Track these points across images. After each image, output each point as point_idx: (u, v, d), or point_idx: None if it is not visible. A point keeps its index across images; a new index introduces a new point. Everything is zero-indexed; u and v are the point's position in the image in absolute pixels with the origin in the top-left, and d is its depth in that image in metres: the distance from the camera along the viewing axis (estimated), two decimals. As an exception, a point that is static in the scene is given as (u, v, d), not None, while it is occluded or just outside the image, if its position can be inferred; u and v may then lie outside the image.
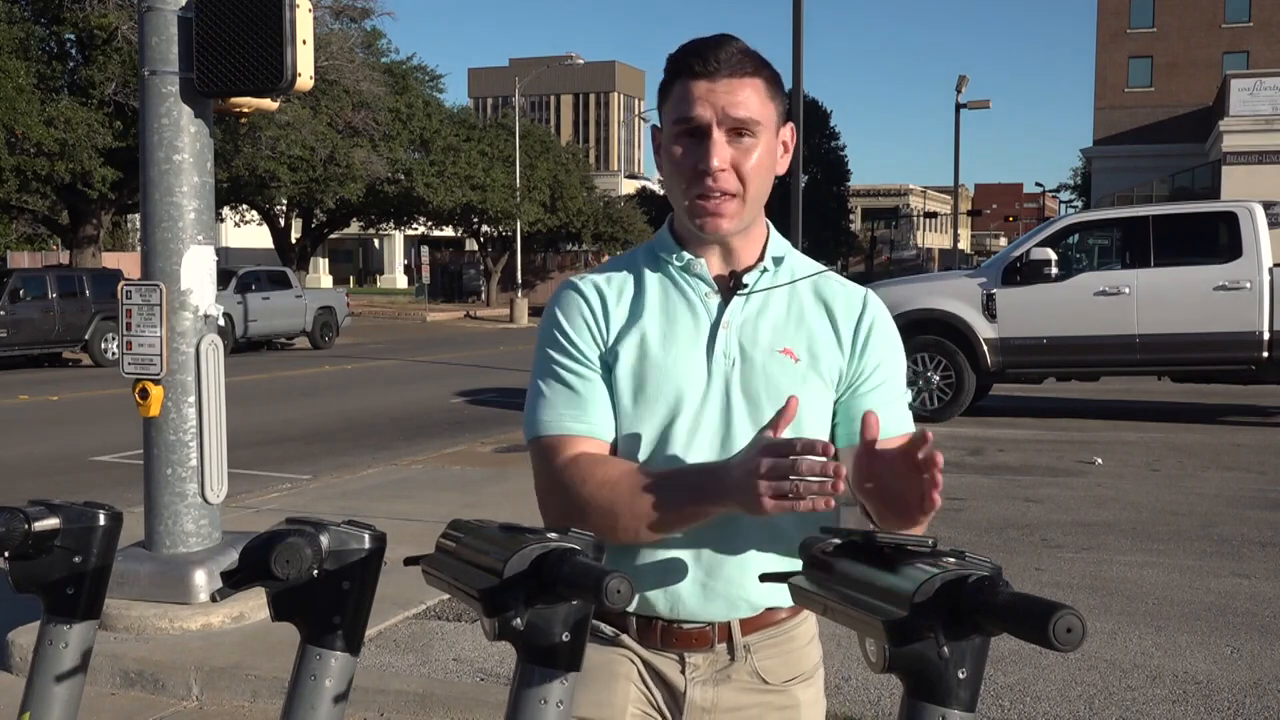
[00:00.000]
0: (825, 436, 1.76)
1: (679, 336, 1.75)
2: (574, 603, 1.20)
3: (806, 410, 1.72)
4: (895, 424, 1.74)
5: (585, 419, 1.71)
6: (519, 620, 1.18)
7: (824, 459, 1.45)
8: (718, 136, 1.67)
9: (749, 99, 1.68)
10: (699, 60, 1.68)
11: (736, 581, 1.71)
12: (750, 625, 1.76)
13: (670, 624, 1.74)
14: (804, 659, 1.82)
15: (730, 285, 1.78)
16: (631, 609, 1.75)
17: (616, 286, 1.80)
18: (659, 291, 1.79)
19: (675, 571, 1.71)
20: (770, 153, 1.73)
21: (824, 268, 1.86)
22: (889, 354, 1.80)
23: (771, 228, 1.85)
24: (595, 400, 1.72)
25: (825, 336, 1.77)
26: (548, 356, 1.76)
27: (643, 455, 1.73)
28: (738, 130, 1.68)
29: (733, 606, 1.73)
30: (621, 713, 1.76)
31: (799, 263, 1.84)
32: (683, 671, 1.76)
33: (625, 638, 1.77)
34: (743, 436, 1.71)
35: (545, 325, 1.79)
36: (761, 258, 1.79)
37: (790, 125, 1.80)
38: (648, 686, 1.78)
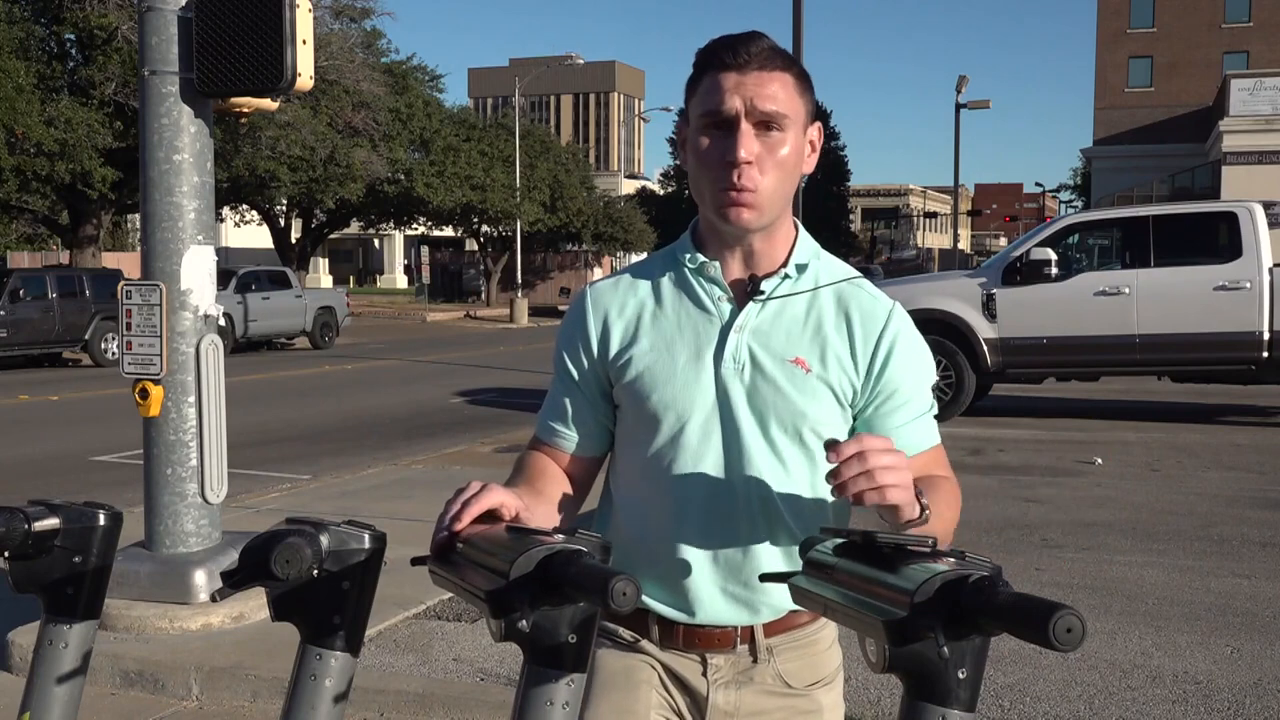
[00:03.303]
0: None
1: (688, 343, 1.73)
2: (580, 604, 1.20)
3: (814, 422, 1.69)
4: (914, 443, 1.71)
5: (556, 431, 1.83)
6: (525, 622, 1.18)
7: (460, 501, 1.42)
8: (745, 128, 1.64)
9: (778, 93, 1.65)
10: (730, 53, 1.66)
11: (755, 586, 1.70)
12: (773, 628, 1.75)
13: (692, 626, 1.74)
14: (826, 662, 1.80)
15: (748, 290, 1.74)
16: (653, 609, 1.75)
17: (623, 295, 1.80)
18: (671, 296, 1.78)
19: (693, 578, 1.71)
20: (797, 150, 1.69)
21: (854, 273, 1.79)
22: (910, 371, 1.73)
23: (801, 230, 1.79)
24: (570, 413, 1.81)
25: (841, 350, 1.71)
26: (554, 364, 1.86)
27: (654, 464, 1.74)
28: (766, 124, 1.64)
29: (754, 611, 1.73)
30: (644, 719, 1.75)
31: (827, 268, 1.78)
32: (704, 674, 1.75)
33: (645, 643, 1.77)
34: (752, 444, 1.70)
35: (557, 332, 1.88)
36: (785, 263, 1.74)
37: (818, 125, 1.76)
38: (669, 691, 1.77)
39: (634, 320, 1.78)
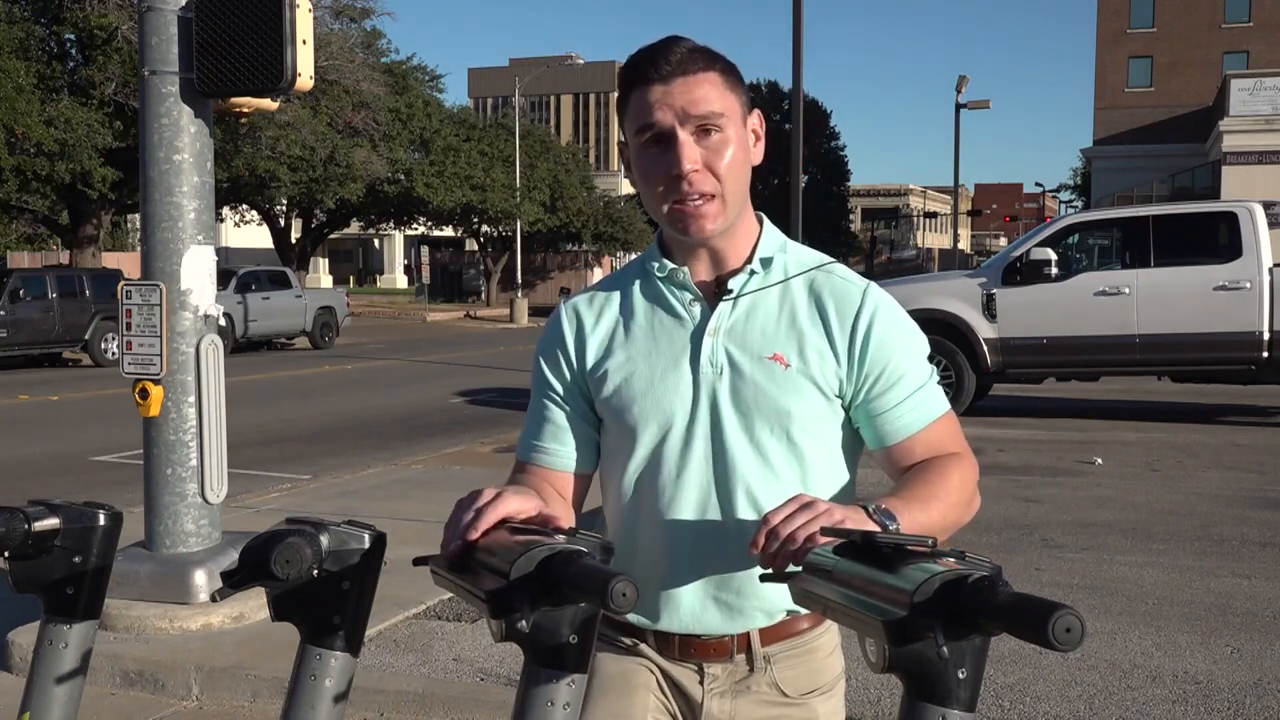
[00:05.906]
0: (827, 444, 1.72)
1: (664, 351, 1.72)
2: (581, 604, 1.20)
3: (800, 419, 1.68)
4: (920, 416, 1.70)
5: (544, 449, 1.79)
6: (525, 622, 1.18)
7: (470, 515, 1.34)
8: (684, 137, 1.62)
9: (708, 94, 1.62)
10: (650, 66, 1.63)
11: (749, 592, 1.69)
12: (770, 635, 1.72)
13: (687, 636, 1.73)
14: (825, 670, 1.77)
15: (716, 291, 1.73)
16: (649, 624, 1.74)
17: (599, 307, 1.79)
18: (644, 306, 1.76)
19: (685, 590, 1.70)
20: (741, 145, 1.67)
21: (826, 260, 1.77)
22: (896, 349, 1.69)
23: (766, 224, 1.78)
24: (558, 430, 1.78)
25: (819, 342, 1.68)
26: (532, 382, 1.84)
27: (638, 475, 1.72)
28: (704, 128, 1.62)
29: (749, 618, 1.71)
30: None
31: (795, 259, 1.75)
32: (701, 682, 1.74)
33: (643, 647, 1.76)
34: (737, 449, 1.68)
35: (535, 350, 1.85)
36: (750, 259, 1.73)
37: (757, 112, 1.73)
38: (666, 696, 1.76)
39: (609, 334, 1.77)
